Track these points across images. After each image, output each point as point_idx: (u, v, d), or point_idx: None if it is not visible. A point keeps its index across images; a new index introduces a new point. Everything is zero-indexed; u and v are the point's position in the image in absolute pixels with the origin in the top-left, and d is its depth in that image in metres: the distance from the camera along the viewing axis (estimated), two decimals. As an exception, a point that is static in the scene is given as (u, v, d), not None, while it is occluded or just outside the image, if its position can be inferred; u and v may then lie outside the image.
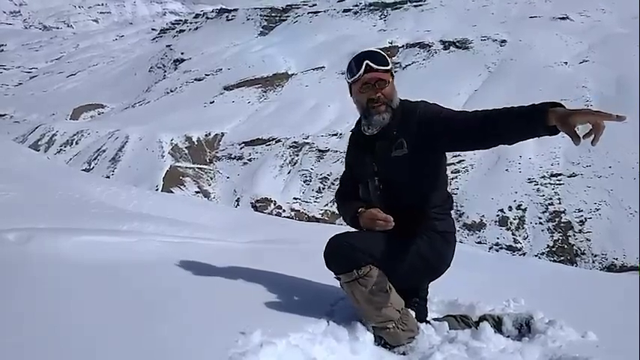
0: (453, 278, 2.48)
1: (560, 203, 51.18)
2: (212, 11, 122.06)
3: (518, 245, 48.42)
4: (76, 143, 72.33)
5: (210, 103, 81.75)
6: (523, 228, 50.24)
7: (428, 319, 2.53)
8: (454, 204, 2.51)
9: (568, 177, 53.31)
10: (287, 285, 2.93)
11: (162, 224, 4.13)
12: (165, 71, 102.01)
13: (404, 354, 2.26)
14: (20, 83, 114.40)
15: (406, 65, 77.87)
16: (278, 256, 3.45)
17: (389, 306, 2.25)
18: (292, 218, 48.33)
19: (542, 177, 54.23)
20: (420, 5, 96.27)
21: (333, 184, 60.82)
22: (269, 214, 45.48)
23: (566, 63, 70.77)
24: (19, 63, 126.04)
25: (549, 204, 51.61)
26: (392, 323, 2.25)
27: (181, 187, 60.32)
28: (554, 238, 48.63)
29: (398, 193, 2.34)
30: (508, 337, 2.40)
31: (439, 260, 2.39)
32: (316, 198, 60.47)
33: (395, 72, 2.44)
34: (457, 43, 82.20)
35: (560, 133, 1.87)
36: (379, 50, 2.41)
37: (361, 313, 2.30)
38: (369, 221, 2.31)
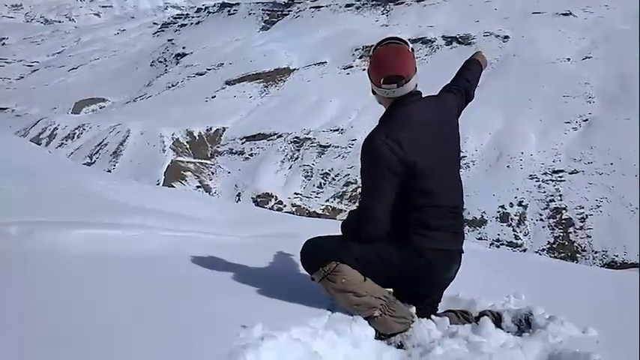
0: (454, 274, 2.48)
1: (561, 200, 51.13)
2: (214, 5, 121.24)
3: (519, 242, 48.41)
4: (78, 137, 72.29)
5: (212, 97, 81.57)
6: (524, 224, 50.21)
7: (428, 314, 2.54)
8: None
9: (569, 174, 53.21)
10: (288, 279, 2.94)
11: (164, 218, 4.14)
12: (166, 65, 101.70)
13: (401, 344, 2.27)
14: (22, 77, 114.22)
15: (408, 61, 77.47)
16: (279, 251, 3.46)
17: (364, 295, 2.28)
18: (293, 213, 48.36)
19: (544, 173, 54.13)
20: (423, 0, 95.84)
21: (334, 179, 60.78)
22: (270, 209, 45.52)
23: (569, 59, 70.47)
24: (21, 56, 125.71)
25: (550, 200, 51.55)
26: (377, 311, 2.28)
27: (182, 181, 60.36)
28: (555, 234, 48.61)
29: None
30: (508, 332, 2.40)
31: (419, 275, 2.39)
32: (317, 193, 60.43)
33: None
34: (459, 39, 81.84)
35: None
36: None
37: (342, 307, 2.33)
38: None
